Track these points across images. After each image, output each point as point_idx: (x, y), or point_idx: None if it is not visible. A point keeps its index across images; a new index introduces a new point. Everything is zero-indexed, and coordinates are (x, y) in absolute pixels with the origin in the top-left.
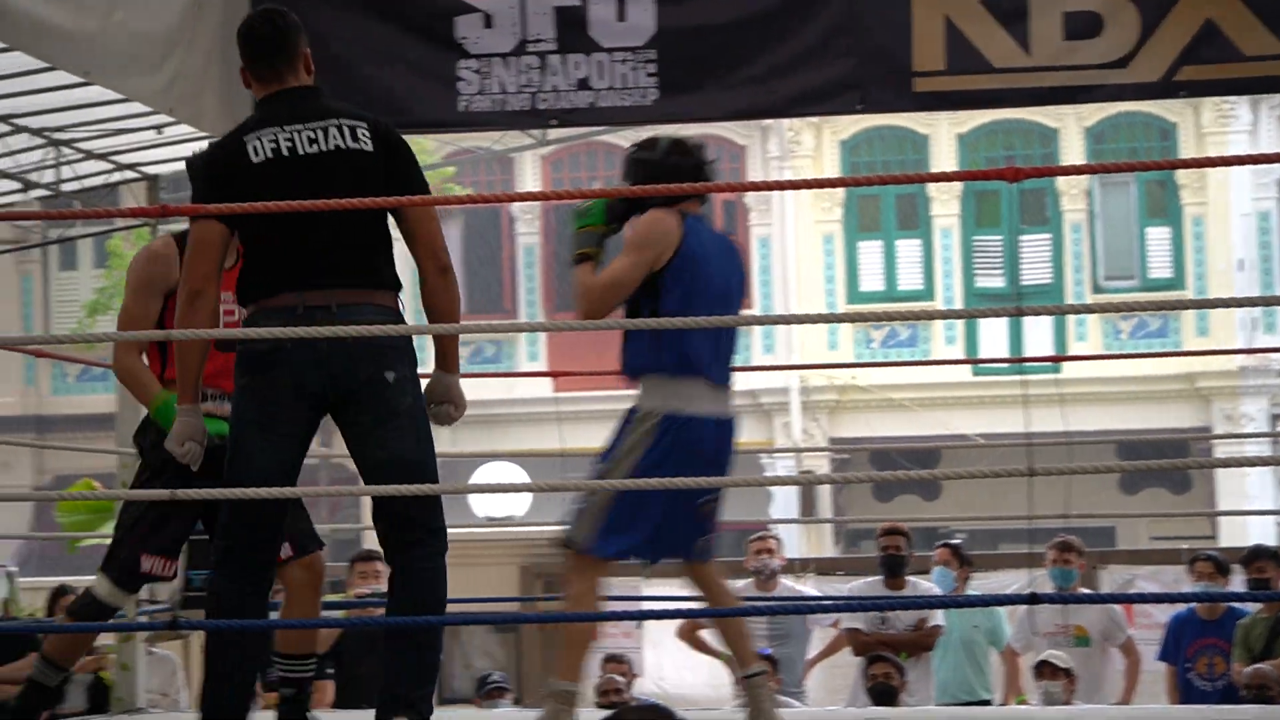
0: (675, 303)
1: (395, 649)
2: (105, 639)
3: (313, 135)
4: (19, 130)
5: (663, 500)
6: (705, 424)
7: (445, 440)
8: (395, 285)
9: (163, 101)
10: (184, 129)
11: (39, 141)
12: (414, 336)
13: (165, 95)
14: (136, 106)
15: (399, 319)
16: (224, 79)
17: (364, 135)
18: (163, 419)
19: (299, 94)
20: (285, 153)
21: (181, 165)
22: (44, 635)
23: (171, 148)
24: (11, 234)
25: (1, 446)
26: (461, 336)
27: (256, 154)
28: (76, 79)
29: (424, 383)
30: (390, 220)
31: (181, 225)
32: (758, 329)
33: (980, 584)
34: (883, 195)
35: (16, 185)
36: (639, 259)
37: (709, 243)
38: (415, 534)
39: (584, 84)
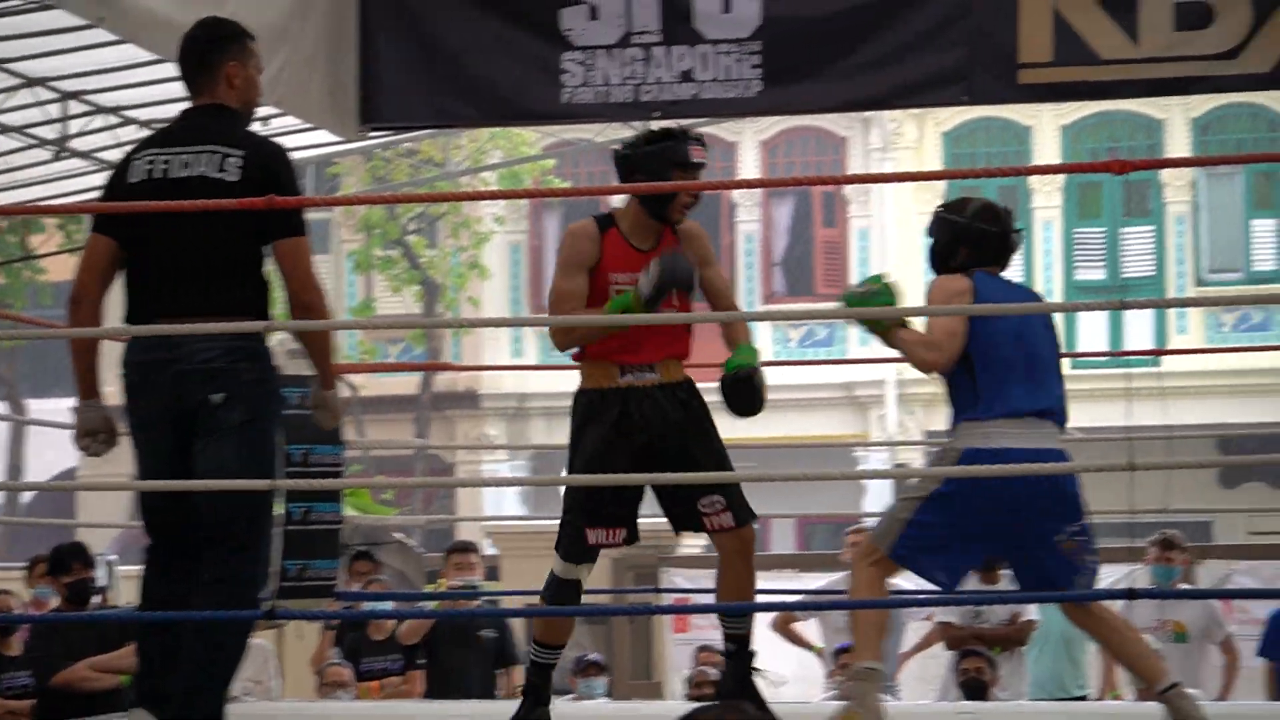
0: (980, 365)
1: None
2: None
3: (186, 160)
4: (127, 122)
5: (983, 529)
6: (1011, 454)
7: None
8: (242, 310)
9: (268, 94)
10: (289, 121)
11: (146, 133)
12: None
13: (271, 88)
14: None
15: (243, 344)
16: (329, 73)
17: (233, 166)
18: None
19: (202, 113)
20: (158, 175)
21: (289, 155)
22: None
23: (278, 139)
24: None
25: None
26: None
27: (134, 175)
28: None
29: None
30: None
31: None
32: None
33: None
34: (984, 187)
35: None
36: (951, 325)
37: (1005, 298)
38: (204, 550)
39: (688, 76)
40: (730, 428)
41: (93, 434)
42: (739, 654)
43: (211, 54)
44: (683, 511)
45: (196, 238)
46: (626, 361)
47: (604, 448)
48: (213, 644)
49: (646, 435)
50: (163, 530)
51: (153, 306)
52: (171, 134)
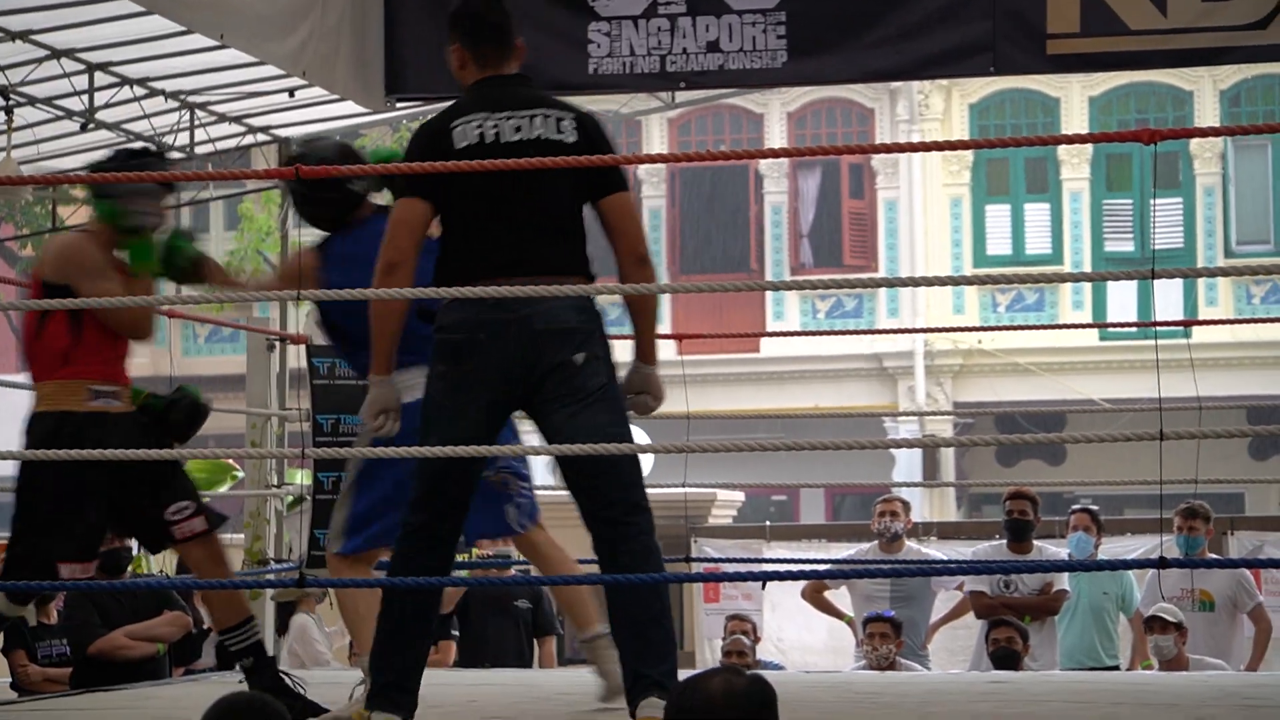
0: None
1: (623, 632)
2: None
3: (518, 124)
4: (154, 93)
5: (396, 484)
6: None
7: None
8: (587, 273)
9: (295, 65)
10: (316, 92)
11: (173, 105)
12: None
13: (297, 59)
14: (269, 70)
15: (590, 305)
16: (356, 44)
17: (568, 127)
18: None
19: (510, 81)
20: (490, 140)
21: (313, 128)
22: (177, 593)
23: (303, 110)
24: None
25: None
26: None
27: (460, 140)
28: (211, 43)
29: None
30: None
31: None
32: (883, 292)
33: (1106, 549)
34: (1012, 158)
35: (151, 148)
36: None
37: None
38: (613, 512)
39: (713, 46)
40: (754, 398)
41: (386, 412)
42: (258, 666)
43: (513, 31)
44: (152, 526)
45: (542, 197)
46: (102, 380)
47: (74, 488)
48: (655, 615)
49: (117, 475)
50: (460, 506)
51: (493, 269)
52: (486, 100)
